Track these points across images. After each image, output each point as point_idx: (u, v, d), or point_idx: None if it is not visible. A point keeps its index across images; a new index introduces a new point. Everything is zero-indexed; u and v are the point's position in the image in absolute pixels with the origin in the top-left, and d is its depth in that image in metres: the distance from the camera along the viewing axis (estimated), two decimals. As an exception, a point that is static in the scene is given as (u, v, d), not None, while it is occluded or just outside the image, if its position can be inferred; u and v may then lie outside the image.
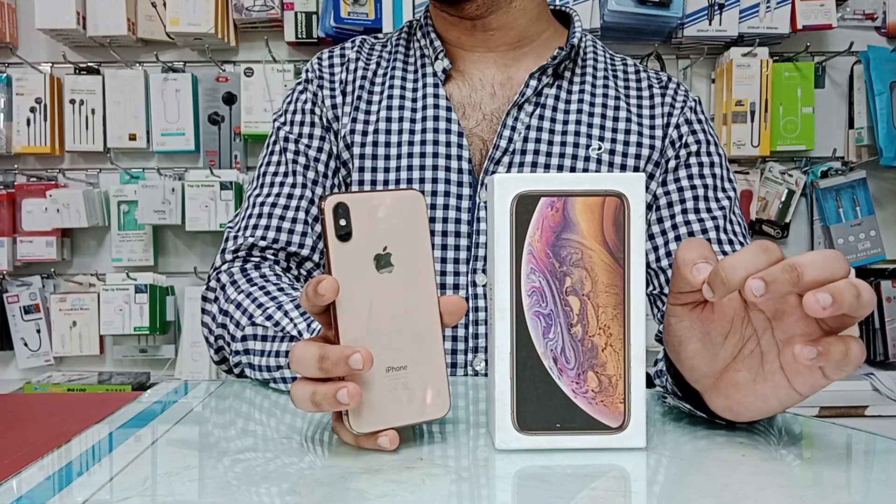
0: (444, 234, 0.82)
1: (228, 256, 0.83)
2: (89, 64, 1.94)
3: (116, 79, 1.91)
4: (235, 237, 0.84)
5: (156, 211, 1.84)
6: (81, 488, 0.42)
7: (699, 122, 0.88)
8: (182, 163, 1.96)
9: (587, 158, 0.83)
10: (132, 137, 1.91)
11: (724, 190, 0.86)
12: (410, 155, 0.83)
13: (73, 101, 1.91)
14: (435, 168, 0.83)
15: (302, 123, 0.87)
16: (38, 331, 1.93)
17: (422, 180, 0.83)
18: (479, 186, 0.83)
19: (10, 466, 0.47)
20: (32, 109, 1.89)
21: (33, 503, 0.40)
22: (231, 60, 1.95)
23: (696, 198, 0.84)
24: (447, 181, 0.82)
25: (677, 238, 0.83)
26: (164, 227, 1.96)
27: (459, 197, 0.82)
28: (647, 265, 0.85)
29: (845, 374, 0.45)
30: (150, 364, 1.97)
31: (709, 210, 0.84)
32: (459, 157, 0.83)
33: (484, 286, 0.81)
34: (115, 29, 1.84)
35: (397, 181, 0.83)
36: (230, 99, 1.92)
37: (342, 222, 0.46)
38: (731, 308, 0.47)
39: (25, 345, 1.93)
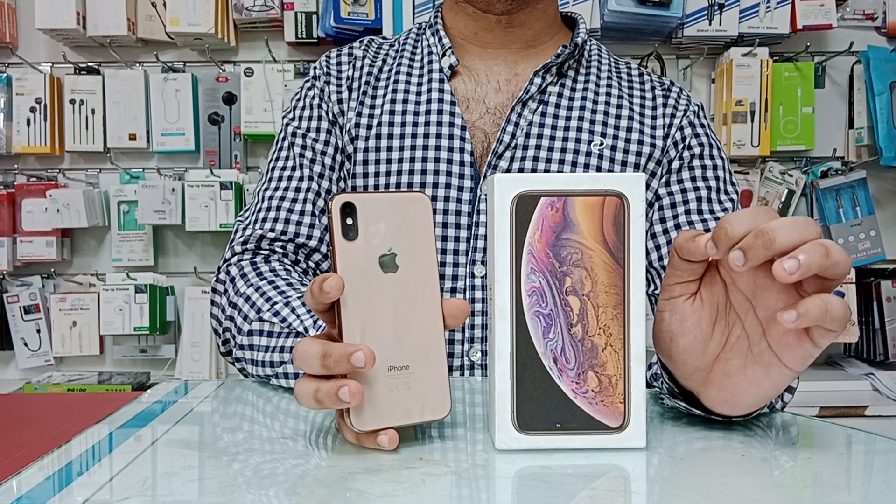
0: (445, 225, 0.83)
1: (238, 248, 0.84)
2: (89, 64, 1.94)
3: (116, 79, 1.91)
4: (244, 228, 0.85)
5: (156, 211, 1.84)
6: (81, 488, 0.42)
7: (702, 126, 0.89)
8: (182, 163, 1.96)
9: (588, 154, 0.84)
10: (132, 137, 1.91)
11: (727, 193, 0.86)
12: (413, 147, 0.85)
13: (73, 101, 1.91)
14: (437, 161, 0.84)
15: (309, 118, 0.89)
16: (38, 331, 1.93)
17: (423, 172, 0.84)
18: (480, 179, 0.84)
19: (10, 466, 0.47)
20: (32, 109, 1.89)
21: (33, 503, 0.40)
22: (231, 60, 1.95)
23: (699, 199, 0.85)
24: (448, 173, 0.84)
25: None
26: (164, 227, 1.96)
27: (460, 189, 0.83)
28: (649, 265, 0.85)
29: (833, 337, 0.45)
30: (150, 364, 1.97)
31: (712, 212, 0.84)
32: (461, 150, 0.84)
33: (482, 277, 0.82)
34: (115, 29, 1.84)
35: (399, 173, 0.84)
36: (230, 99, 1.92)
37: (348, 221, 0.47)
38: (716, 293, 0.49)
39: (25, 345, 1.93)
